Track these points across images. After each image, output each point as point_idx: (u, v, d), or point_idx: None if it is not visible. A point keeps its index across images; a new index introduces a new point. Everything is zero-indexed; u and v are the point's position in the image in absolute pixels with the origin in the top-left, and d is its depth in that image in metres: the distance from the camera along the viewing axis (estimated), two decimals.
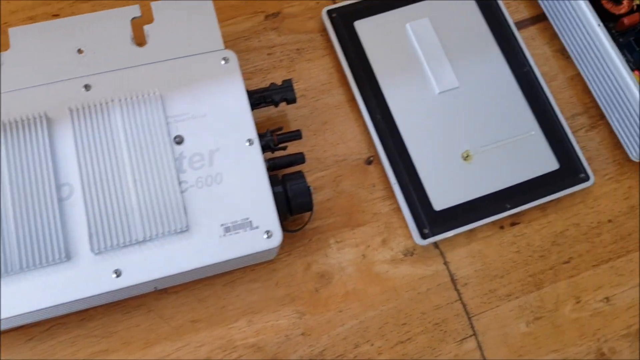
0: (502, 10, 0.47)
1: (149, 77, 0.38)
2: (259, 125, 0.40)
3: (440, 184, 0.42)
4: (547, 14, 0.48)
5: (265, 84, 0.43)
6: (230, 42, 0.45)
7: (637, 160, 0.44)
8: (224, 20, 0.46)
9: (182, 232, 0.35)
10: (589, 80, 0.46)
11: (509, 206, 0.42)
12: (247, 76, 0.45)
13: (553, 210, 0.43)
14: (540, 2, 0.48)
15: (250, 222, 0.36)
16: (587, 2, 0.44)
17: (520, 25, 0.48)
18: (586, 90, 0.46)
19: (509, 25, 0.47)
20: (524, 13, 0.49)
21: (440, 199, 0.41)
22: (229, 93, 0.39)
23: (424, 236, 0.40)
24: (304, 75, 0.45)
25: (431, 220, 0.41)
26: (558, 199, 0.43)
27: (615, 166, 0.45)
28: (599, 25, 0.43)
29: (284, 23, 0.47)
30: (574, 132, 0.45)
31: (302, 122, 0.44)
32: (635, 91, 0.42)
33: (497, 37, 0.46)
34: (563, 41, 0.47)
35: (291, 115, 0.44)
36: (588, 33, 0.44)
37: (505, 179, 0.42)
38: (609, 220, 0.43)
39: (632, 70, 0.43)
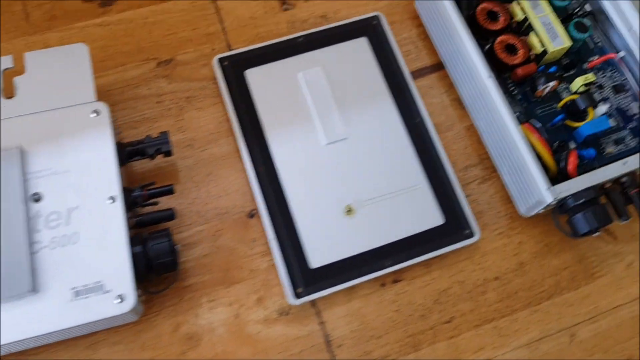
0: (398, 59, 0.47)
1: (13, 131, 0.38)
2: (137, 178, 0.40)
3: (320, 240, 0.42)
4: (444, 63, 0.48)
5: (151, 133, 0.43)
6: (118, 90, 0.46)
7: (526, 216, 0.44)
8: (113, 68, 0.46)
9: (29, 295, 0.35)
10: (482, 132, 0.46)
11: (388, 263, 0.41)
12: (132, 125, 0.45)
13: (438, 266, 0.43)
14: (438, 50, 0.48)
15: (102, 285, 0.35)
16: (479, 52, 0.44)
17: (420, 73, 0.48)
18: (481, 141, 0.46)
19: (403, 75, 0.47)
20: (425, 61, 0.49)
21: (319, 256, 0.41)
22: (96, 147, 0.39)
23: (297, 295, 0.40)
24: (192, 125, 0.45)
25: (306, 278, 0.41)
26: (443, 255, 0.43)
27: (506, 220, 0.44)
28: (489, 77, 0.43)
29: (176, 70, 0.47)
30: (466, 185, 0.45)
31: (186, 173, 0.44)
32: (521, 145, 0.41)
33: (391, 87, 0.46)
34: (458, 91, 0.47)
35: (177, 165, 0.44)
36: (479, 84, 0.44)
37: (387, 234, 0.42)
38: (496, 278, 0.43)
39: (522, 122, 0.43)
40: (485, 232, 0.44)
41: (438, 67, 0.48)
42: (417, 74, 0.48)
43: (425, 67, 0.48)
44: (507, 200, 0.45)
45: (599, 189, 0.43)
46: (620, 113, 0.46)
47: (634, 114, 0.46)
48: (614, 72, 0.47)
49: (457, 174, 0.45)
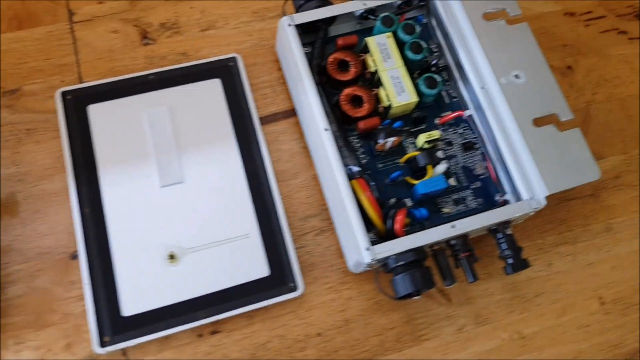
0: (250, 103, 0.47)
1: None
2: None
3: (137, 287, 0.42)
4: (296, 110, 0.48)
5: None
6: None
7: (355, 272, 0.44)
8: None
9: None
10: (322, 183, 0.46)
11: (202, 314, 0.41)
12: None
13: (261, 319, 0.43)
14: (292, 96, 0.48)
15: None
16: (319, 103, 0.44)
17: (274, 117, 0.48)
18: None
19: (252, 120, 0.47)
20: (280, 105, 0.49)
21: (133, 304, 0.41)
22: None
23: (103, 344, 0.40)
24: (27, 159, 0.45)
25: (115, 326, 0.40)
26: (268, 308, 0.43)
27: (338, 275, 0.45)
28: (325, 129, 0.43)
29: (20, 101, 0.47)
30: (303, 235, 0.45)
31: (13, 208, 0.44)
32: (347, 201, 0.41)
33: (237, 131, 0.47)
34: (305, 139, 0.47)
35: (4, 200, 0.44)
36: (317, 135, 0.44)
37: (209, 284, 0.42)
38: (318, 334, 0.43)
39: (358, 177, 0.43)
40: (314, 286, 0.44)
41: (292, 113, 0.49)
42: (270, 118, 0.48)
43: (279, 112, 0.49)
44: (341, 254, 0.45)
45: (433, 250, 0.43)
46: (466, 172, 0.46)
47: (480, 174, 0.46)
48: (466, 130, 0.47)
49: (296, 223, 0.45)
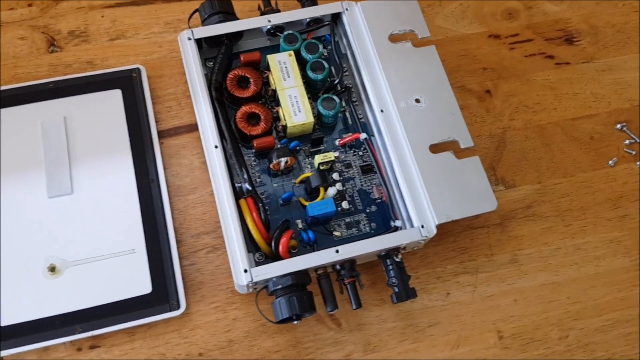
0: (150, 116, 0.49)
1: None
2: None
3: (17, 297, 0.44)
4: (198, 125, 0.49)
5: None
6: None
7: (241, 293, 0.45)
8: None
9: None
10: (216, 200, 0.47)
11: (80, 328, 0.43)
12: None
13: (142, 336, 0.44)
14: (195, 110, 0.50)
15: None
16: (212, 119, 0.46)
17: (176, 131, 0.50)
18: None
19: (150, 133, 0.49)
20: (183, 119, 0.51)
21: (12, 313, 0.43)
22: None
23: None
24: None
25: None
26: (152, 325, 0.44)
27: (226, 294, 0.46)
28: (215, 146, 0.45)
29: None
30: (194, 252, 0.47)
31: None
32: (232, 220, 0.43)
33: (134, 144, 0.49)
34: (205, 154, 0.49)
35: None
36: (209, 151, 0.45)
37: (89, 298, 0.44)
38: (200, 354, 0.44)
39: (246, 197, 0.44)
40: (201, 305, 0.46)
41: (195, 127, 0.50)
42: (172, 131, 0.50)
43: (182, 126, 0.50)
44: (231, 273, 0.46)
45: (318, 274, 0.44)
46: (363, 195, 0.47)
47: (377, 199, 0.47)
48: (366, 152, 0.48)
49: (188, 240, 0.47)
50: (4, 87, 0.49)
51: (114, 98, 0.50)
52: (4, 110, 0.48)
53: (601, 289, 0.48)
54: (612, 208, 0.51)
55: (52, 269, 0.45)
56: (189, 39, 0.48)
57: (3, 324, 0.43)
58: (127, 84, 0.50)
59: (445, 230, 0.49)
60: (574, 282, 0.49)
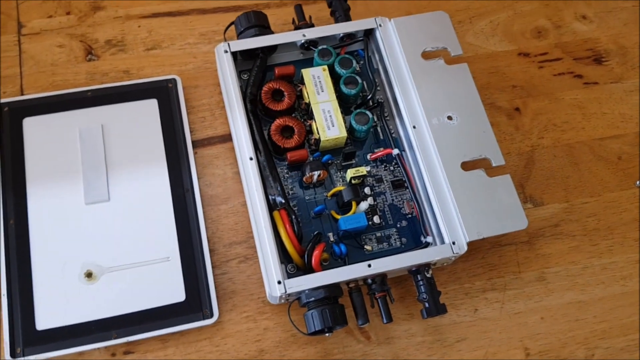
0: (185, 126, 0.51)
1: None
2: None
3: (54, 302, 0.46)
4: (232, 136, 0.51)
5: None
6: None
7: (273, 303, 0.47)
8: None
9: None
10: (250, 210, 0.49)
11: (115, 334, 0.45)
12: None
13: (175, 343, 0.46)
14: (229, 121, 0.52)
15: None
16: (247, 131, 0.48)
17: (210, 141, 0.52)
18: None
19: (185, 143, 0.51)
20: (217, 130, 0.53)
21: (48, 318, 0.45)
22: None
23: (14, 355, 0.44)
24: None
25: (29, 338, 0.44)
26: (184, 333, 0.46)
27: (257, 304, 0.48)
28: (250, 158, 0.47)
29: None
30: (226, 262, 0.49)
31: None
32: (267, 232, 0.45)
33: (169, 154, 0.51)
34: (238, 165, 0.50)
35: None
36: (244, 162, 0.48)
37: (124, 304, 0.46)
38: None
39: (279, 209, 0.46)
40: (232, 314, 0.47)
41: (228, 138, 0.52)
42: (206, 142, 0.52)
43: (216, 137, 0.52)
44: (262, 283, 0.48)
45: (350, 287, 0.46)
46: (393, 210, 0.49)
47: (407, 214, 0.49)
48: (397, 167, 0.50)
49: (220, 249, 0.49)
50: (43, 94, 0.51)
51: (150, 107, 0.52)
52: (43, 117, 0.50)
53: (627, 309, 0.50)
54: (639, 228, 0.53)
55: (89, 275, 0.47)
56: (226, 51, 0.50)
57: (39, 328, 0.45)
58: (163, 93, 0.52)
59: (474, 247, 0.51)
60: (601, 301, 0.50)
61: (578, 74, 0.58)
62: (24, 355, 0.44)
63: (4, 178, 0.48)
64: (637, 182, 0.54)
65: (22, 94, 0.52)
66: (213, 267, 0.48)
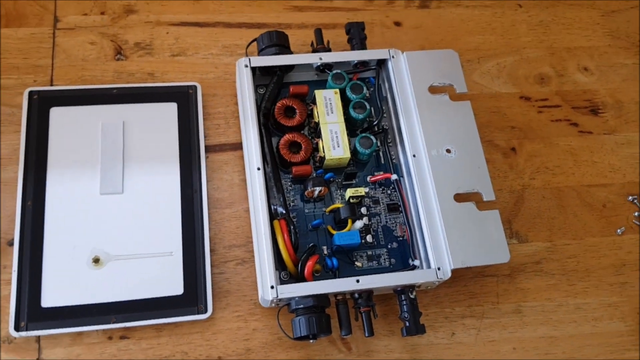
0: (200, 131, 0.55)
1: None
2: None
3: (60, 282, 0.49)
4: (242, 145, 0.55)
5: None
6: None
7: (265, 306, 0.50)
8: None
9: None
10: (251, 216, 0.52)
11: (114, 319, 0.48)
12: None
13: (169, 333, 0.49)
14: (241, 131, 0.55)
15: None
16: (257, 142, 0.51)
17: (221, 147, 0.56)
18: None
19: (198, 147, 0.54)
20: (229, 137, 0.56)
21: (54, 297, 0.48)
22: None
23: (18, 328, 0.47)
24: None
25: (33, 314, 0.47)
26: (179, 324, 0.49)
27: (249, 305, 0.51)
28: (257, 168, 0.50)
29: None
30: (224, 263, 0.52)
31: None
32: (265, 239, 0.48)
33: (182, 155, 0.54)
34: (245, 173, 0.54)
35: None
36: (252, 172, 0.51)
37: (126, 292, 0.49)
38: (219, 357, 0.49)
39: (280, 218, 0.50)
40: (225, 312, 0.50)
41: (239, 146, 0.56)
42: (217, 148, 0.55)
43: (227, 144, 0.56)
44: (256, 286, 0.51)
45: (337, 299, 0.49)
46: (386, 231, 0.52)
47: (399, 236, 0.52)
48: (394, 192, 0.53)
49: (220, 250, 0.52)
50: (71, 87, 0.54)
51: (170, 110, 0.55)
52: (70, 109, 0.54)
53: (595, 349, 0.53)
54: (614, 274, 0.56)
55: (96, 261, 0.50)
56: (246, 66, 0.54)
57: (44, 306, 0.48)
58: (183, 98, 0.56)
59: (459, 274, 0.54)
60: (571, 338, 0.53)
61: (574, 122, 0.62)
62: (27, 330, 0.47)
63: (27, 162, 0.51)
64: (619, 230, 0.57)
65: (51, 85, 0.56)
66: (212, 266, 0.51)
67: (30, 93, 0.54)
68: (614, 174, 0.60)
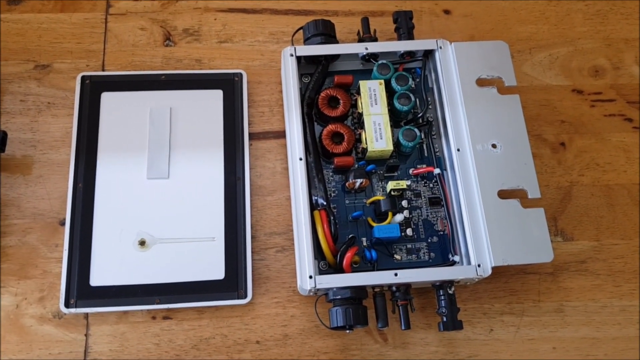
0: (244, 118, 0.54)
1: None
2: None
3: (108, 262, 0.50)
4: (286, 134, 0.54)
5: (5, 126, 0.53)
6: None
7: (302, 294, 0.50)
8: None
9: None
10: (292, 205, 0.52)
11: (158, 300, 0.49)
12: None
13: (210, 316, 0.50)
14: (285, 120, 0.55)
15: None
16: (301, 132, 0.50)
17: (265, 135, 0.55)
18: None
19: (242, 134, 0.54)
20: (273, 125, 0.56)
21: (101, 276, 0.49)
22: None
23: (68, 305, 0.48)
24: (42, 128, 0.54)
25: (82, 292, 0.49)
26: (218, 307, 0.50)
27: (288, 292, 0.51)
28: (300, 158, 0.50)
29: (48, 76, 0.56)
30: (265, 249, 0.52)
31: (21, 170, 0.53)
32: (306, 229, 0.48)
33: (227, 142, 0.54)
34: (288, 162, 0.53)
35: (16, 160, 0.53)
36: (294, 161, 0.50)
37: (170, 274, 0.50)
38: (257, 342, 0.50)
39: (321, 209, 0.49)
40: (264, 297, 0.51)
41: (282, 134, 0.55)
42: (261, 135, 0.55)
43: (271, 132, 0.55)
44: (295, 274, 0.51)
45: (375, 291, 0.48)
46: (427, 225, 0.51)
47: (440, 231, 0.51)
48: (436, 185, 0.52)
49: (261, 237, 0.52)
50: (121, 73, 0.55)
51: (216, 97, 0.55)
52: (120, 94, 0.54)
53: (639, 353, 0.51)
54: None
55: (142, 243, 0.51)
56: (291, 55, 0.53)
57: (92, 285, 0.49)
58: (229, 86, 0.55)
59: (499, 271, 0.52)
60: (614, 340, 0.51)
61: (629, 117, 0.58)
62: (76, 307, 0.49)
63: (79, 145, 0.53)
64: None
65: (103, 70, 0.56)
66: (252, 252, 0.52)
67: (83, 78, 0.55)
68: None
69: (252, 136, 0.55)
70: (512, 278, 0.53)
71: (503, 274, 0.53)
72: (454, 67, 0.53)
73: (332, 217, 0.49)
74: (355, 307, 0.47)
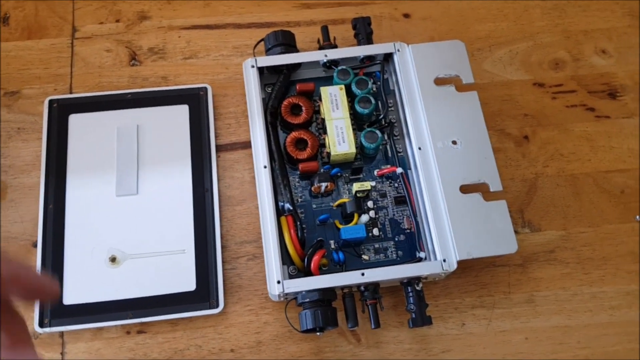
0: (211, 131, 0.55)
1: None
2: None
3: (81, 280, 0.50)
4: (251, 143, 0.55)
5: None
6: None
7: (274, 300, 0.50)
8: None
9: None
10: (260, 214, 0.52)
11: (131, 314, 0.49)
12: None
13: (183, 327, 0.50)
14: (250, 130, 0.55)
15: None
16: (264, 140, 0.51)
17: (232, 147, 0.56)
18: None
19: (209, 147, 0.55)
20: (240, 136, 0.56)
21: (75, 294, 0.50)
22: None
23: (42, 325, 0.49)
24: (12, 153, 0.55)
25: (56, 311, 0.49)
26: (193, 318, 0.50)
27: (260, 300, 0.51)
28: (264, 166, 0.50)
29: (18, 103, 0.57)
30: (236, 258, 0.52)
31: (3, 194, 0.53)
32: (272, 235, 0.48)
33: (194, 155, 0.54)
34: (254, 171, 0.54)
35: None
36: (258, 169, 0.51)
37: (141, 288, 0.50)
38: (231, 350, 0.50)
39: (286, 215, 0.50)
40: (237, 306, 0.51)
41: (249, 144, 0.56)
42: (229, 147, 0.56)
43: (238, 142, 0.56)
44: (266, 281, 0.51)
45: (344, 292, 0.49)
46: (393, 224, 0.51)
47: (406, 229, 0.51)
48: (400, 185, 0.52)
49: (232, 246, 0.53)
50: (89, 94, 0.56)
51: (182, 112, 0.56)
52: (87, 115, 0.55)
53: (612, 338, 0.51)
54: (633, 262, 0.53)
55: (113, 260, 0.51)
56: (252, 66, 0.54)
57: (65, 303, 0.50)
58: (195, 100, 0.56)
59: (468, 265, 0.52)
60: (586, 327, 0.51)
61: (591, 107, 0.59)
62: (50, 327, 0.49)
63: (48, 167, 0.53)
64: (637, 217, 0.54)
65: (70, 92, 0.57)
66: (223, 262, 0.52)
67: (50, 101, 0.56)
68: (633, 158, 0.57)
69: (219, 148, 0.56)
70: (481, 272, 0.53)
71: (473, 268, 0.53)
72: (412, 68, 0.54)
73: (298, 222, 0.50)
74: (324, 309, 0.47)
